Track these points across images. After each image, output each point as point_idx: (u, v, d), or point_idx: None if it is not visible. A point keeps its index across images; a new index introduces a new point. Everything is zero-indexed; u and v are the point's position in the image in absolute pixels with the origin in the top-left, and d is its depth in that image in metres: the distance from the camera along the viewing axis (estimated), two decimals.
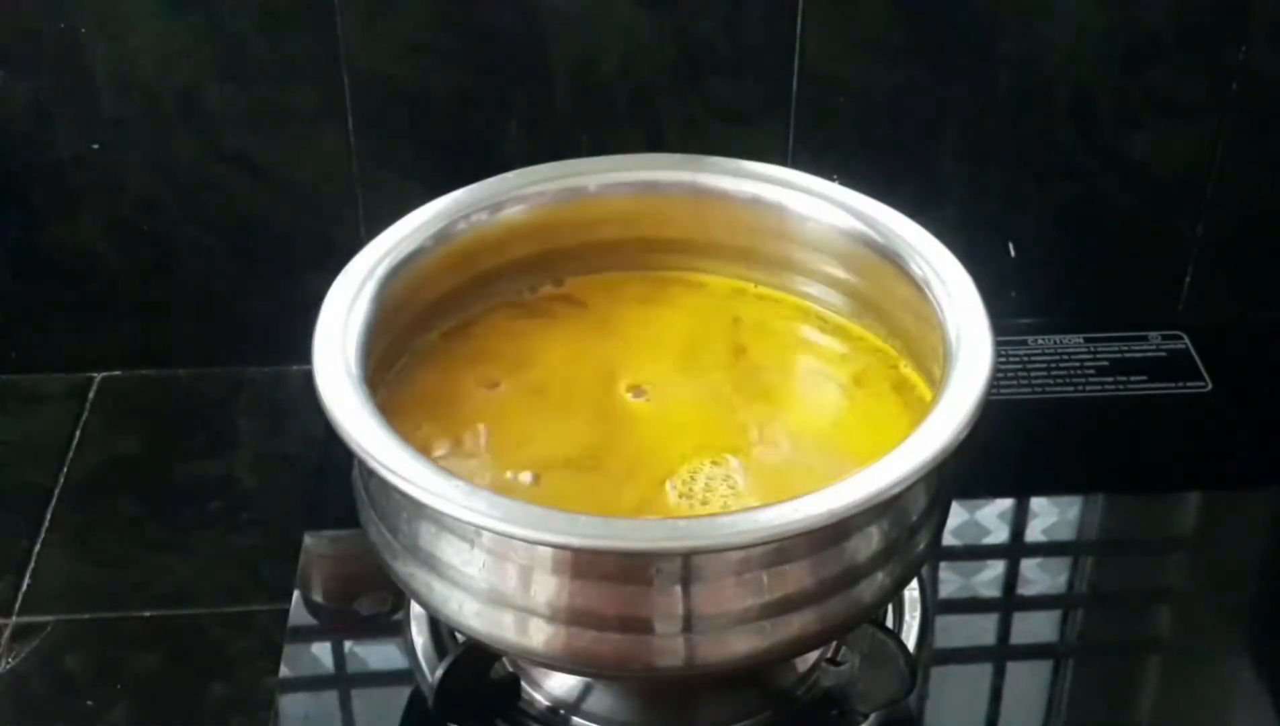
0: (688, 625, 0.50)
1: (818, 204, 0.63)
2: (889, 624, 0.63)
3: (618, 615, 0.50)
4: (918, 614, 0.65)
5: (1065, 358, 0.81)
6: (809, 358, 0.63)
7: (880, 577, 0.53)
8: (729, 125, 0.77)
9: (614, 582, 0.50)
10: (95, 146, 0.75)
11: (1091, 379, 0.80)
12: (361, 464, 0.52)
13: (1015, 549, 0.70)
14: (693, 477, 0.57)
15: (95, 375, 0.81)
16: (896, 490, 0.49)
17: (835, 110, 0.77)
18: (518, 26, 0.74)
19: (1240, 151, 0.80)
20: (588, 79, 0.75)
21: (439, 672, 0.57)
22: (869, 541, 0.52)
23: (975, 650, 0.66)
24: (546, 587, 0.50)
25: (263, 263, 0.79)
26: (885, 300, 0.62)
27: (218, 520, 0.72)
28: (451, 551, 0.52)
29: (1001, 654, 0.66)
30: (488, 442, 0.58)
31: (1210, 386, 0.80)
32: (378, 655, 0.65)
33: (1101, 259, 0.83)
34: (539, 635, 0.51)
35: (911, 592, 0.65)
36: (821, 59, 0.75)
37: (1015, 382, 0.79)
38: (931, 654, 0.65)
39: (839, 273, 0.64)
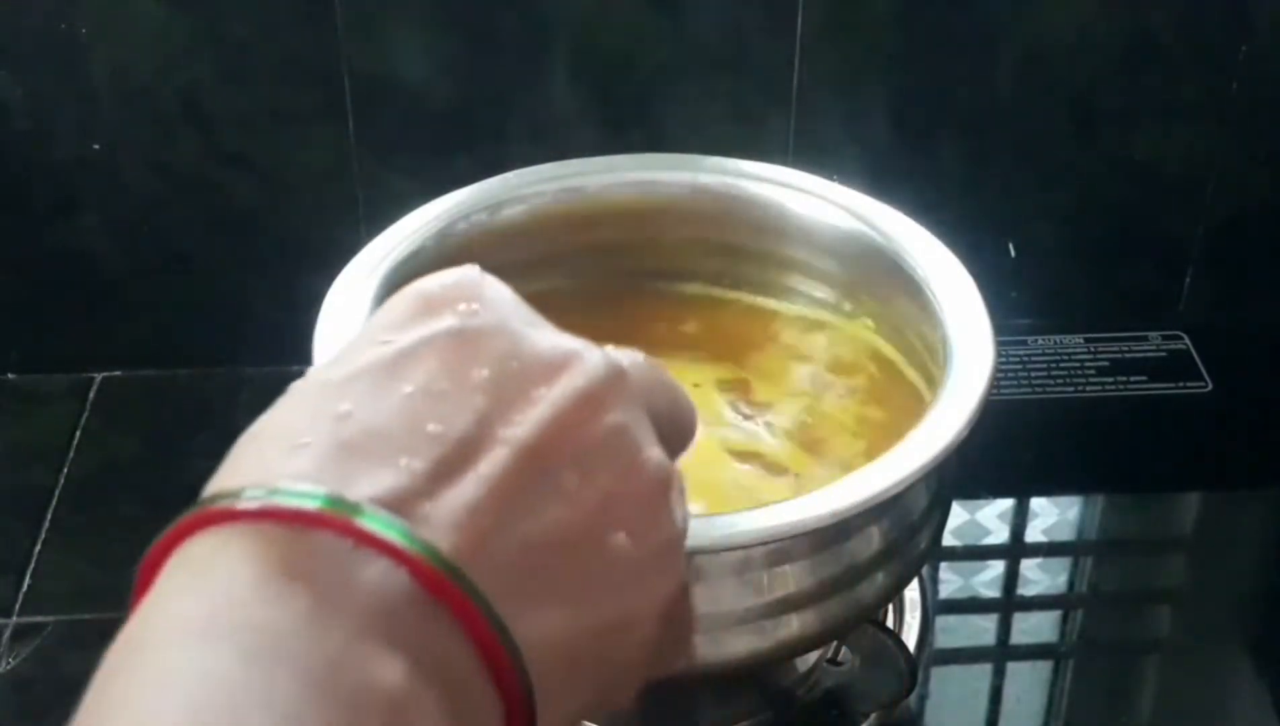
0: None
1: (818, 204, 0.63)
2: (889, 624, 0.63)
3: None
4: (918, 614, 0.65)
5: (1065, 358, 0.81)
6: (808, 357, 0.63)
7: (880, 577, 0.53)
8: (729, 125, 0.77)
9: None
10: (95, 146, 0.75)
11: (1091, 379, 0.80)
12: None
13: (1015, 549, 0.70)
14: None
15: (95, 375, 0.81)
16: (896, 490, 0.49)
17: (835, 110, 0.77)
18: (518, 26, 0.74)
19: (1240, 151, 0.80)
20: (588, 79, 0.75)
21: None
22: (869, 541, 0.52)
23: (975, 650, 0.66)
24: None
25: (263, 263, 0.79)
26: (886, 300, 0.62)
27: None
28: None
29: (1001, 654, 0.66)
30: None
31: (1210, 386, 0.80)
32: None
33: (1101, 259, 0.83)
34: None
35: (911, 592, 0.65)
36: (821, 59, 0.75)
37: (1015, 382, 0.79)
38: (931, 654, 0.65)
39: (839, 273, 0.64)
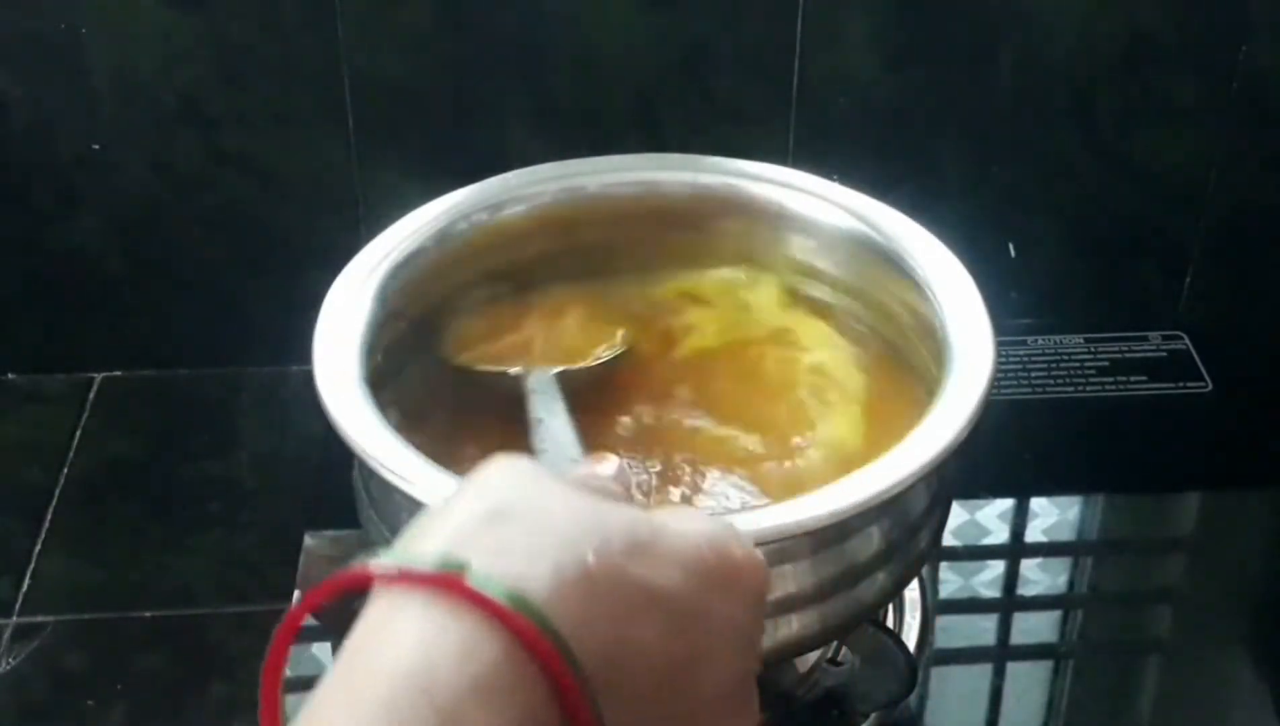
0: None
1: (818, 204, 0.64)
2: (889, 624, 0.63)
3: None
4: (918, 614, 0.65)
5: (1065, 358, 0.81)
6: (808, 358, 0.63)
7: (880, 577, 0.53)
8: (729, 125, 0.77)
9: None
10: (95, 146, 0.75)
11: (1091, 379, 0.80)
12: (361, 464, 0.52)
13: (1015, 549, 0.70)
14: (700, 482, 0.57)
15: (95, 375, 0.81)
16: (897, 490, 0.49)
17: (835, 110, 0.77)
18: (518, 26, 0.74)
19: (1240, 151, 0.80)
20: (588, 79, 0.75)
21: None
22: (869, 541, 0.52)
23: (975, 650, 0.66)
24: None
25: (263, 263, 0.79)
26: (886, 300, 0.62)
27: (218, 520, 0.72)
28: None
29: (1001, 654, 0.66)
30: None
31: (1210, 386, 0.80)
32: None
33: (1101, 259, 0.83)
34: None
35: (911, 592, 0.65)
36: (821, 59, 0.75)
37: (1015, 382, 0.79)
38: (931, 654, 0.65)
39: (839, 273, 0.64)
